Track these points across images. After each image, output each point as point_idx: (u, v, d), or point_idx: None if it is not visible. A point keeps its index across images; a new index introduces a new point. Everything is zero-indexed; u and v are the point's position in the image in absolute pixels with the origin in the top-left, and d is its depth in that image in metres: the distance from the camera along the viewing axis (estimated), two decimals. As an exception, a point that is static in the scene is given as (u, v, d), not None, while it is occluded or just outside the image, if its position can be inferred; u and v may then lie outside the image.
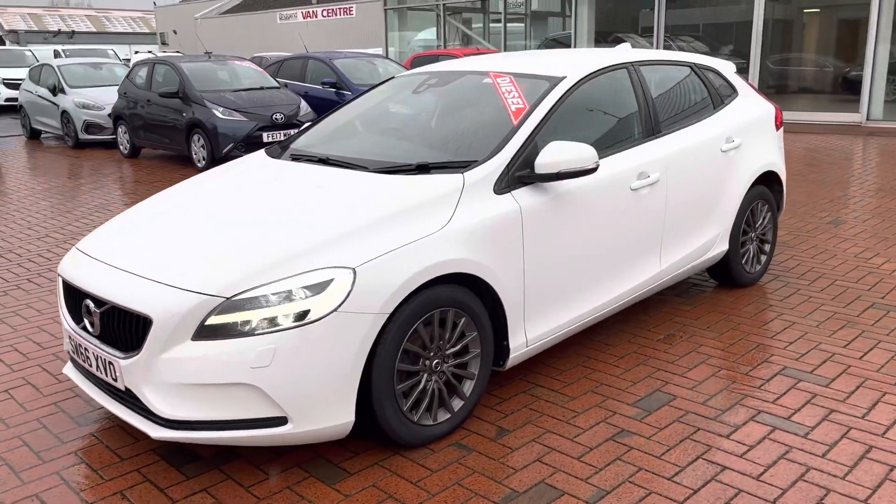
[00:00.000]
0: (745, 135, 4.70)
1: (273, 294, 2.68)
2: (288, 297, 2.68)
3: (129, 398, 2.86)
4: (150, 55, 18.67)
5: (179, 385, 2.68)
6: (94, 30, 71.33)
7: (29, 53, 24.61)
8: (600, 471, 2.86)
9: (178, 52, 37.17)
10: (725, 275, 4.85)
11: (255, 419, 2.69)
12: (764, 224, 4.99)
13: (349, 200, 3.14)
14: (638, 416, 3.28)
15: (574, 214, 3.52)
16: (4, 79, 22.04)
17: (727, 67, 4.99)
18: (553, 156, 3.30)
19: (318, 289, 2.69)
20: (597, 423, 3.23)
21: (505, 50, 19.11)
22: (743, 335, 4.16)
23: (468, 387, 3.20)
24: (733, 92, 4.88)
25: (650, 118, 4.10)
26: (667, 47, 15.92)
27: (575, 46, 16.72)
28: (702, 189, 4.34)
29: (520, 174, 3.33)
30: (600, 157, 3.69)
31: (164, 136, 11.12)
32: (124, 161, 11.83)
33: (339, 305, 2.68)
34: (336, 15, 38.15)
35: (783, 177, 5.08)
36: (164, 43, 54.84)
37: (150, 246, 3.06)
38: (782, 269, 5.35)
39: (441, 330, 3.04)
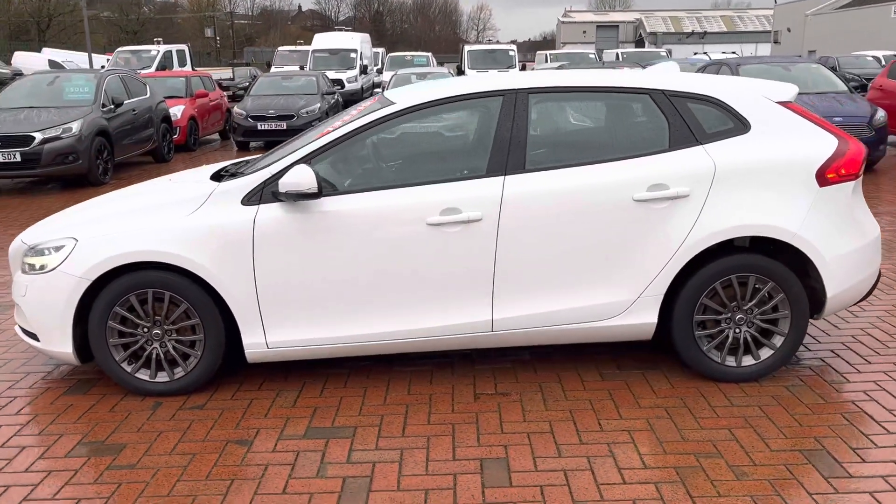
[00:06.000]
0: (709, 184, 3.58)
1: (47, 248, 3.83)
2: (51, 252, 3.80)
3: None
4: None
5: (15, 301, 4.07)
6: (724, 29, 73.95)
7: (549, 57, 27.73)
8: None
9: (748, 53, 36.56)
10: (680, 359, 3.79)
11: (30, 332, 3.92)
12: (765, 307, 3.66)
13: (156, 192, 4.04)
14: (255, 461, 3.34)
15: (335, 237, 3.61)
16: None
17: (748, 95, 3.72)
18: (288, 177, 3.54)
19: (57, 250, 3.75)
20: (218, 442, 3.41)
21: None
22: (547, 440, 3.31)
23: (191, 363, 3.77)
24: (739, 126, 3.68)
25: (507, 153, 3.65)
26: None
27: None
28: (581, 240, 3.60)
29: (273, 191, 3.65)
30: (397, 186, 3.65)
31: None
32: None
33: (59, 265, 3.70)
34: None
35: (818, 252, 3.58)
36: (775, 42, 53.91)
37: (62, 217, 4.37)
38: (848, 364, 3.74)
39: (159, 307, 3.71)
